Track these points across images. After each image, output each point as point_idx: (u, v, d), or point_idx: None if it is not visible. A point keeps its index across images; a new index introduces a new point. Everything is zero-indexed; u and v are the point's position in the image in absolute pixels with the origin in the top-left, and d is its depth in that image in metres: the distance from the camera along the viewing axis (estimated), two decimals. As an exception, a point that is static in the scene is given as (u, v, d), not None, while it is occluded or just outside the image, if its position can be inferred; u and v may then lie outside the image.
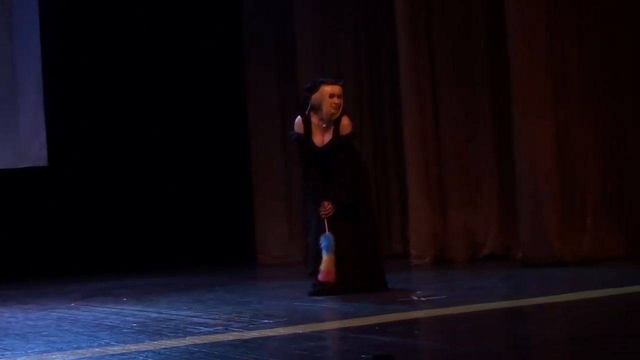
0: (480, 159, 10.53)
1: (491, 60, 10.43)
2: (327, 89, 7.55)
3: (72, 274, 11.39)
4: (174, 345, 5.06)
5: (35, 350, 5.26)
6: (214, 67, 13.05)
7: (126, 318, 6.53)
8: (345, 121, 7.59)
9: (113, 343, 5.30)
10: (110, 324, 6.27)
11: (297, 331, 5.35)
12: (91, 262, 12.06)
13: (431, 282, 8.66)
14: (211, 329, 5.63)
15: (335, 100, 7.52)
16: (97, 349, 5.11)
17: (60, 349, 5.21)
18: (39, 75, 12.15)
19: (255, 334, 5.35)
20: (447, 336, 5.31)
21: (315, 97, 7.58)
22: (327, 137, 7.60)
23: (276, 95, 12.57)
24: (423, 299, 6.71)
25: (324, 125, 7.60)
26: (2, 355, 5.13)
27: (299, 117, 7.72)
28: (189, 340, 5.21)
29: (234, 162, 13.00)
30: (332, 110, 7.52)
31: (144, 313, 6.77)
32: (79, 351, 5.10)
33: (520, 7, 9.17)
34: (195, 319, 6.20)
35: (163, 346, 5.07)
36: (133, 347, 5.09)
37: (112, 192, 12.54)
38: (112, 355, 4.90)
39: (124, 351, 4.99)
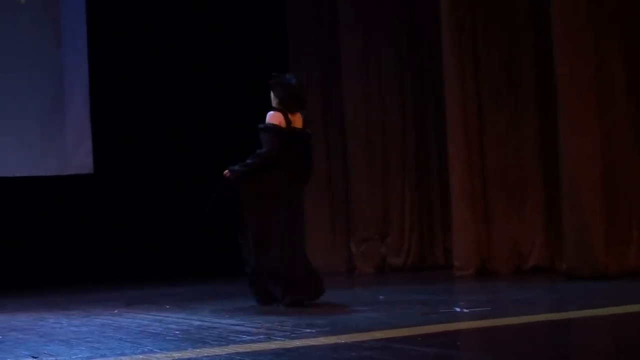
0: (525, 169, 10.45)
1: (536, 71, 10.36)
2: None
3: (115, 281, 11.46)
4: (217, 354, 5.07)
5: (79, 356, 5.29)
6: (260, 77, 13.08)
7: (169, 325, 6.55)
8: (268, 114, 7.76)
9: (156, 350, 5.31)
10: (153, 331, 6.29)
11: (339, 341, 5.34)
12: (134, 269, 12.12)
13: (474, 294, 8.60)
14: (254, 338, 5.63)
15: None
16: (140, 356, 5.12)
17: (104, 355, 5.24)
18: (86, 84, 12.27)
19: (297, 343, 5.34)
20: (489, 348, 5.28)
21: None
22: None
23: (319, 107, 12.58)
24: (466, 310, 6.68)
25: None
26: (47, 360, 5.17)
27: None
28: (231, 349, 5.21)
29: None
30: None
31: (187, 321, 6.79)
32: (122, 358, 5.12)
33: (566, 17, 9.11)
34: (238, 328, 6.21)
35: (206, 354, 5.07)
36: (176, 355, 5.10)
37: (156, 200, 12.61)
38: (155, 362, 4.93)
39: (166, 358, 5.01)
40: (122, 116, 12.58)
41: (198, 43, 12.92)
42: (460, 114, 10.44)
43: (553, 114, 9.43)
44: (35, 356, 5.34)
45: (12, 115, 11.91)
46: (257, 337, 5.68)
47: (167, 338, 5.86)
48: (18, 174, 11.89)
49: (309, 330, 5.85)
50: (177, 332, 6.12)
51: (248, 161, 7.68)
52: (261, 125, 7.74)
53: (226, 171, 7.74)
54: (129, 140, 12.58)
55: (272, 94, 7.86)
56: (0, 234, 11.86)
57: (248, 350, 5.14)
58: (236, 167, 7.70)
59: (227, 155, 12.85)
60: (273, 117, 7.71)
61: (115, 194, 12.49)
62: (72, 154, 12.21)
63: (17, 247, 11.89)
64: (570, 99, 9.04)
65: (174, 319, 6.96)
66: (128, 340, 5.87)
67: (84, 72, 12.30)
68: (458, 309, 6.76)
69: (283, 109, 7.74)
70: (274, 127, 7.66)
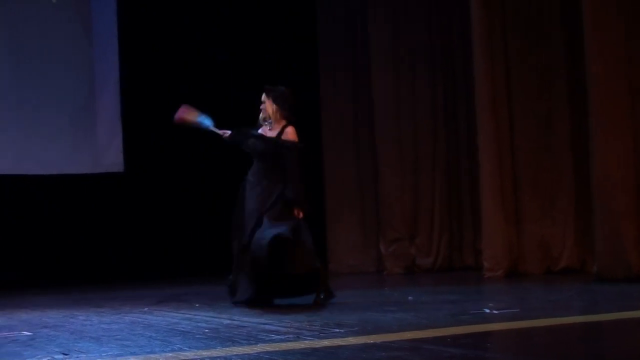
0: (556, 169, 10.41)
1: (567, 71, 10.32)
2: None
3: (146, 279, 11.51)
4: (246, 352, 5.07)
5: (109, 353, 5.31)
6: (289, 80, 13.09)
7: (199, 324, 6.56)
8: (289, 129, 7.97)
9: (185, 348, 5.32)
10: (182, 329, 6.30)
11: (368, 341, 5.33)
12: (164, 267, 12.17)
13: (504, 295, 8.57)
14: (282, 337, 5.63)
15: (261, 106, 8.07)
16: (170, 354, 5.14)
17: (134, 353, 5.25)
18: (117, 83, 12.33)
19: (326, 342, 5.34)
20: (520, 349, 5.25)
21: None
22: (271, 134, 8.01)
23: (349, 108, 12.58)
24: (496, 311, 6.65)
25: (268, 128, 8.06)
26: (77, 357, 5.19)
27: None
28: (260, 348, 5.22)
29: (307, 171, 13.01)
30: (261, 115, 8.09)
31: (217, 319, 6.80)
32: (152, 355, 5.13)
33: (597, 17, 9.05)
34: (267, 327, 6.21)
35: (235, 353, 5.08)
36: (205, 353, 5.11)
37: (186, 198, 12.64)
38: (184, 360, 4.94)
39: (196, 357, 5.02)
40: (153, 115, 12.61)
41: (228, 42, 12.94)
42: (491, 115, 10.41)
43: (584, 114, 9.38)
44: (66, 353, 5.36)
45: (44, 114, 11.98)
46: (286, 336, 5.68)
47: (197, 336, 5.88)
48: (50, 172, 11.96)
49: (337, 330, 5.84)
50: (207, 331, 6.14)
51: (297, 189, 7.89)
52: (300, 145, 7.95)
53: (301, 215, 7.90)
54: (159, 138, 12.62)
55: (274, 105, 8.04)
56: (32, 231, 11.94)
57: (277, 349, 5.15)
58: (299, 202, 7.89)
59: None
60: (295, 134, 7.97)
61: (145, 192, 12.53)
62: (103, 152, 12.27)
63: (48, 244, 11.97)
64: (602, 98, 8.99)
65: (203, 318, 6.97)
66: (158, 338, 5.88)
67: (115, 71, 12.37)
68: (488, 311, 6.73)
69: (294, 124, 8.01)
70: (300, 146, 7.97)
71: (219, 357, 4.98)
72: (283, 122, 8.02)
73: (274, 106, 8.02)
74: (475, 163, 10.85)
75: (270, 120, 8.07)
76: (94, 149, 12.24)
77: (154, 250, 12.34)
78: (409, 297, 8.07)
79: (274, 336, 5.71)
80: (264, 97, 8.11)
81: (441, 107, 12.04)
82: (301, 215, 7.88)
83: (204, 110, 12.79)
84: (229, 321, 6.65)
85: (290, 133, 7.95)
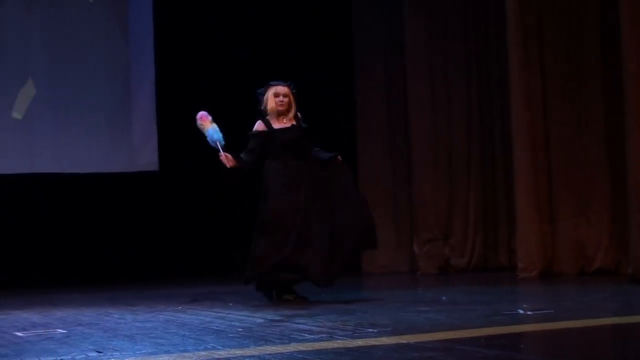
0: (591, 169, 10.34)
1: (603, 70, 10.25)
2: (273, 89, 8.24)
3: (179, 277, 11.56)
4: (279, 351, 5.08)
5: (143, 351, 5.33)
6: (325, 83, 13.12)
7: (232, 323, 6.58)
8: (300, 115, 8.22)
9: (219, 347, 5.34)
10: (216, 328, 6.32)
11: (401, 341, 5.33)
12: (198, 265, 12.21)
13: (538, 296, 8.53)
14: (316, 337, 5.64)
15: (281, 98, 8.17)
16: (203, 353, 5.15)
17: (167, 352, 5.28)
18: (152, 83, 12.39)
19: (359, 342, 5.34)
20: (554, 351, 5.23)
21: (264, 98, 8.27)
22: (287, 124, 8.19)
23: (384, 106, 12.57)
24: (529, 312, 6.62)
25: (278, 119, 8.19)
26: (111, 355, 5.22)
27: (259, 121, 8.25)
28: (293, 347, 5.22)
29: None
30: (278, 108, 8.17)
31: (250, 318, 6.82)
32: (186, 354, 5.15)
33: (634, 15, 8.98)
34: (300, 326, 6.22)
35: (268, 352, 5.09)
36: (238, 352, 5.12)
37: (219, 198, 12.68)
38: (218, 359, 4.94)
39: (229, 355, 5.03)
40: (188, 115, 12.65)
41: (263, 42, 12.97)
42: (526, 114, 10.36)
43: (620, 114, 9.31)
44: (100, 351, 5.40)
45: (81, 113, 12.08)
46: (319, 335, 5.68)
47: (230, 335, 5.89)
48: (86, 171, 12.05)
49: (371, 330, 5.84)
50: (240, 330, 6.15)
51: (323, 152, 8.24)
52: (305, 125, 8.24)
53: (339, 157, 8.24)
54: (194, 138, 12.65)
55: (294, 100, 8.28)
56: (68, 229, 12.03)
57: (310, 348, 5.15)
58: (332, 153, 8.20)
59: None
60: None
61: (180, 192, 12.58)
62: (139, 151, 12.34)
63: (84, 242, 12.05)
64: (638, 96, 8.91)
65: (236, 316, 6.99)
66: (191, 336, 5.91)
67: (151, 70, 12.43)
68: (522, 311, 6.70)
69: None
70: None
71: (252, 356, 4.99)
72: (292, 114, 8.25)
73: (293, 99, 8.27)
74: (510, 163, 10.81)
75: (287, 115, 8.25)
76: (129, 149, 12.32)
77: (187, 249, 12.39)
78: (443, 297, 8.05)
79: (307, 335, 5.71)
80: (286, 90, 8.27)
81: (476, 107, 12.00)
82: (339, 158, 8.16)
83: (237, 108, 12.87)
84: (262, 320, 6.67)
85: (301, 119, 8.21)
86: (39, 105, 11.96)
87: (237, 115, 12.83)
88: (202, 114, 8.52)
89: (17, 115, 11.87)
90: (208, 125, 8.39)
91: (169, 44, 12.54)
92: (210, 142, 8.35)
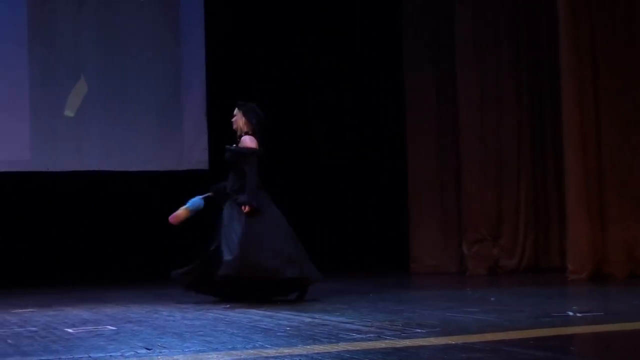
0: (642, 172, 10.24)
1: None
2: None
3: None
4: (327, 351, 5.09)
5: (192, 349, 5.36)
6: (374, 78, 13.10)
7: (280, 322, 6.60)
8: (245, 137, 8.65)
9: (267, 346, 5.36)
10: (264, 326, 6.34)
11: (449, 342, 5.31)
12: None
13: (588, 298, 8.46)
14: (364, 336, 5.64)
15: (232, 119, 8.75)
16: (252, 351, 5.17)
17: (216, 349, 5.30)
18: (203, 81, 12.45)
19: (407, 342, 5.33)
20: (602, 354, 5.19)
21: None
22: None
23: (433, 106, 12.53)
24: (579, 314, 6.57)
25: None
26: (160, 352, 5.26)
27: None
28: (341, 347, 5.23)
29: (391, 170, 13.02)
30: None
31: (298, 317, 6.83)
32: (234, 352, 5.18)
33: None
34: (348, 325, 6.22)
35: (316, 351, 5.10)
36: (286, 351, 5.14)
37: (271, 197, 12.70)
38: (266, 357, 4.96)
39: (277, 354, 5.04)
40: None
41: (312, 40, 12.98)
42: (577, 115, 10.28)
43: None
44: (149, 348, 5.44)
45: (131, 111, 12.17)
46: (367, 335, 5.68)
47: (278, 334, 5.91)
48: (136, 169, 12.13)
49: (419, 330, 5.83)
50: (288, 329, 6.17)
51: (249, 190, 8.50)
52: (244, 150, 8.59)
53: (246, 209, 8.44)
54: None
55: (243, 118, 8.71)
56: (116, 227, 12.11)
57: (358, 348, 5.15)
58: (248, 199, 8.47)
59: (338, 152, 12.93)
60: (253, 142, 8.60)
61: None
62: (188, 150, 12.41)
63: (132, 239, 12.12)
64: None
65: (284, 315, 7.01)
66: (240, 335, 5.93)
67: (201, 69, 12.50)
68: (571, 313, 6.65)
69: (256, 134, 8.65)
70: (257, 151, 8.60)
71: (300, 355, 5.00)
72: (238, 134, 8.73)
73: (244, 119, 8.70)
74: (561, 164, 10.73)
75: (240, 133, 8.73)
76: (179, 147, 12.39)
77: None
78: (491, 298, 8.01)
79: (355, 335, 5.71)
80: (235, 111, 8.78)
81: (527, 106, 11.92)
82: (247, 209, 8.44)
83: (287, 107, 12.83)
84: (310, 319, 6.68)
85: (245, 140, 8.58)
86: (90, 103, 12.07)
87: (288, 113, 12.89)
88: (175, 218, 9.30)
89: (69, 113, 11.99)
90: (185, 213, 9.21)
91: (219, 43, 12.59)
92: (198, 207, 9.17)
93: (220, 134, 12.52)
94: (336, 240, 12.73)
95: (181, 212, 9.06)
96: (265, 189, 8.75)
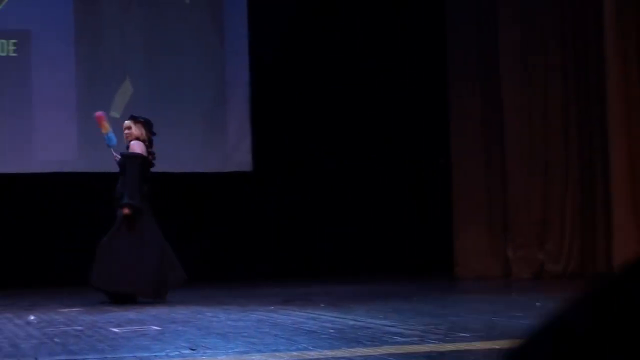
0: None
1: None
2: None
3: (271, 277, 11.62)
4: (370, 354, 5.08)
5: (235, 350, 5.38)
6: (417, 85, 13.07)
7: (324, 324, 6.59)
8: (134, 143, 9.16)
9: (310, 348, 5.36)
10: (308, 328, 6.35)
11: (494, 347, 5.28)
12: (288, 265, 12.26)
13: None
14: (407, 340, 5.62)
15: (127, 131, 9.29)
16: (295, 353, 5.18)
17: (259, 351, 5.31)
18: (247, 83, 12.49)
19: (451, 347, 5.31)
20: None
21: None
22: None
23: (478, 110, 12.47)
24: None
25: None
26: (204, 353, 5.28)
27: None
28: (384, 350, 5.21)
29: (435, 173, 12.98)
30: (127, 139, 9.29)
31: (342, 320, 6.83)
32: (277, 354, 5.18)
33: None
34: (391, 329, 6.21)
35: (359, 354, 5.09)
36: (330, 353, 5.14)
37: (312, 198, 12.72)
38: (309, 359, 4.96)
39: (320, 356, 5.04)
40: (282, 115, 12.75)
41: (356, 45, 12.96)
42: (624, 118, 10.18)
43: None
44: (194, 348, 5.46)
45: (176, 112, 12.22)
46: (411, 339, 5.66)
47: (322, 336, 5.91)
48: (180, 170, 12.19)
49: (463, 335, 5.80)
50: (332, 331, 6.16)
51: (130, 191, 8.94)
52: (141, 156, 9.09)
53: (126, 210, 8.89)
54: (288, 138, 12.74)
55: (136, 128, 9.25)
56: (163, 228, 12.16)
57: (401, 352, 5.14)
58: (130, 202, 8.91)
59: (383, 156, 12.92)
60: (141, 147, 9.11)
61: (273, 192, 12.65)
62: (232, 151, 12.45)
63: (175, 240, 12.17)
64: None
65: (328, 318, 7.01)
66: (283, 337, 5.94)
67: (245, 71, 12.53)
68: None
69: (146, 142, 9.21)
70: (142, 156, 9.09)
71: (343, 357, 5.00)
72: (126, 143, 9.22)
73: (144, 129, 9.24)
74: (608, 170, 10.62)
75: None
76: (223, 149, 12.44)
77: (278, 248, 12.45)
78: (537, 303, 7.96)
79: (398, 338, 5.70)
80: (130, 123, 9.29)
81: (573, 110, 11.82)
82: (126, 211, 8.90)
83: (331, 109, 12.89)
84: (353, 322, 6.67)
85: (134, 145, 9.09)
86: (135, 104, 12.15)
87: (331, 115, 12.89)
88: (100, 114, 9.56)
89: (115, 114, 12.06)
90: (108, 129, 9.40)
91: (263, 44, 12.61)
92: (109, 144, 9.41)
93: (264, 135, 12.59)
94: (381, 242, 12.72)
95: (106, 124, 9.48)
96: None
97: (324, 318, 7.00)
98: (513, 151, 11.93)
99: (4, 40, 11.76)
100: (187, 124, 12.27)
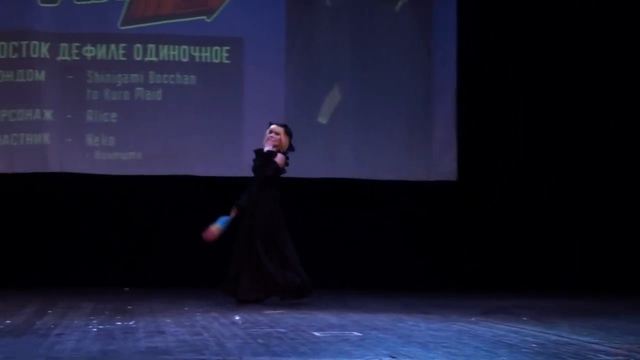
0: None
1: None
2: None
3: (469, 288, 11.51)
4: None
5: (435, 360, 5.37)
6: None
7: (525, 338, 6.50)
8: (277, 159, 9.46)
9: (512, 362, 5.30)
10: (509, 342, 6.27)
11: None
12: (487, 277, 12.13)
13: None
14: (612, 358, 5.48)
15: (274, 135, 9.50)
16: (496, 366, 5.13)
17: (460, 362, 5.29)
18: (454, 92, 12.44)
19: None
20: None
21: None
22: None
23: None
24: None
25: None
26: (404, 362, 5.29)
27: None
28: (591, 367, 5.10)
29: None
30: (271, 144, 9.51)
31: (544, 335, 6.71)
32: (478, 366, 5.15)
33: None
34: (596, 346, 6.06)
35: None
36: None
37: (515, 209, 12.55)
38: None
39: (522, 371, 4.98)
40: (488, 125, 12.63)
41: (567, 55, 12.69)
42: None
43: None
44: (394, 356, 5.48)
45: (382, 120, 12.30)
46: (616, 357, 5.52)
47: (523, 350, 5.83)
48: (384, 178, 12.25)
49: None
50: (534, 345, 6.07)
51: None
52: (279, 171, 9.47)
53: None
54: (493, 149, 12.61)
55: (285, 138, 9.59)
56: (362, 234, 12.25)
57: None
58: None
59: (592, 172, 12.59)
60: (282, 160, 9.51)
61: (477, 202, 12.54)
62: (437, 160, 12.41)
63: (381, 247, 12.23)
64: None
65: (530, 332, 6.90)
66: (483, 349, 5.89)
67: (453, 78, 12.48)
68: None
69: (287, 155, 9.55)
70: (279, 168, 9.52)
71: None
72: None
73: (289, 142, 9.53)
74: None
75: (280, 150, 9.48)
76: (428, 157, 12.42)
77: (481, 258, 12.34)
78: None
79: (602, 356, 5.56)
80: (279, 129, 9.51)
81: None
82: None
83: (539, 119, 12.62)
84: (557, 337, 6.55)
85: (278, 158, 9.41)
86: (342, 111, 12.30)
87: (540, 122, 12.64)
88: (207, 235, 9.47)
89: (322, 120, 12.26)
90: (217, 230, 9.43)
91: (471, 53, 12.53)
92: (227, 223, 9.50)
93: (470, 145, 12.48)
94: (584, 258, 12.44)
95: (214, 228, 9.39)
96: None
97: (526, 332, 6.89)
98: None
99: (217, 47, 12.13)
100: (392, 132, 12.33)
